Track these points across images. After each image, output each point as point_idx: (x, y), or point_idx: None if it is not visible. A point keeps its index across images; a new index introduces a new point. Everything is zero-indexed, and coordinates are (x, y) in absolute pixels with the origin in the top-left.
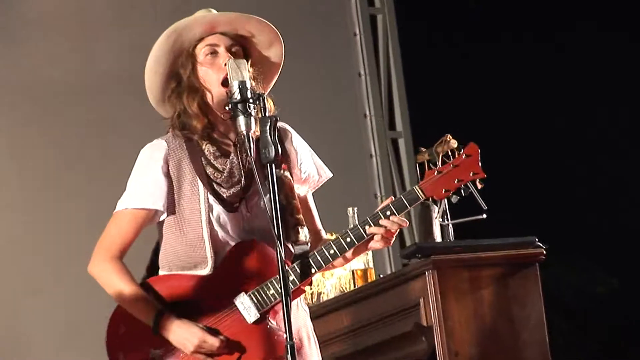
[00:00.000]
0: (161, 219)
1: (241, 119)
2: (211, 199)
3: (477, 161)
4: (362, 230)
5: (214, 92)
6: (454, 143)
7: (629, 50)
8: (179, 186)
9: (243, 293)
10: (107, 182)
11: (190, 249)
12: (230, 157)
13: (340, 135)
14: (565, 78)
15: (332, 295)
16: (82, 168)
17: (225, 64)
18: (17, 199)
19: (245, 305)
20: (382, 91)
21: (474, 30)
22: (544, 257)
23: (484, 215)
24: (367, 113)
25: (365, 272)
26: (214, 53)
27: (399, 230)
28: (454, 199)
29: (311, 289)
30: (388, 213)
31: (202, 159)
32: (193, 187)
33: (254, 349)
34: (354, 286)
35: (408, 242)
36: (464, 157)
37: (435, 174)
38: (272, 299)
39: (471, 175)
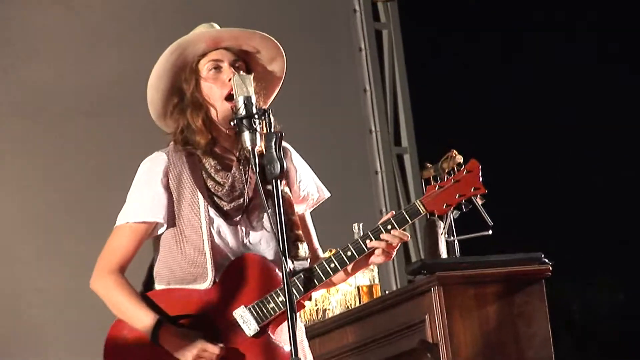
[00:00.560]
0: (160, 232)
1: (246, 135)
2: (212, 211)
3: (478, 177)
4: (362, 244)
5: (218, 108)
6: (459, 159)
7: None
8: (179, 199)
9: (243, 306)
10: (109, 193)
11: (190, 262)
12: (232, 171)
13: (346, 150)
14: (572, 93)
15: (337, 312)
16: (83, 183)
17: (230, 80)
18: (17, 208)
19: (245, 319)
20: (387, 107)
21: (481, 46)
22: (550, 274)
23: (490, 232)
24: (373, 129)
25: (370, 288)
26: (217, 68)
27: (400, 244)
28: (455, 214)
29: (316, 305)
30: (389, 227)
31: (203, 172)
32: (193, 200)
33: None
34: (360, 302)
35: (414, 258)
36: (465, 172)
37: (437, 188)
38: (272, 313)
39: (472, 190)
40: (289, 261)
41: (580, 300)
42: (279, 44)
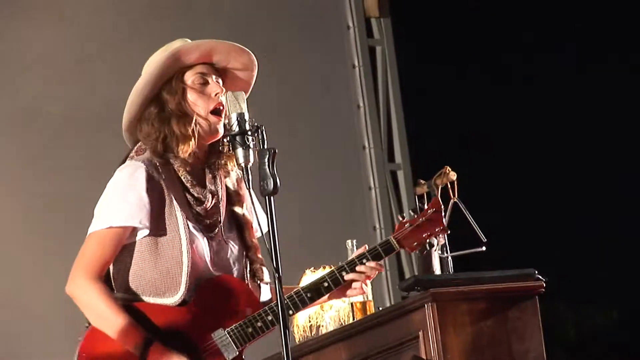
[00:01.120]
0: (138, 237)
1: (240, 151)
2: (190, 225)
3: (441, 216)
4: (339, 276)
5: (201, 120)
6: (453, 175)
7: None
8: (159, 208)
9: (221, 329)
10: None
11: (164, 273)
12: (207, 187)
13: (339, 167)
14: (566, 109)
15: (331, 328)
16: (84, 183)
17: (216, 94)
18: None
19: (224, 342)
20: (381, 123)
21: (474, 63)
22: (543, 290)
23: (484, 248)
24: (366, 145)
25: (364, 304)
26: (204, 82)
27: (374, 277)
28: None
29: (310, 321)
30: (364, 261)
31: (180, 185)
32: (171, 212)
33: None
34: (353, 319)
35: (407, 275)
36: (430, 211)
37: (407, 226)
38: (250, 337)
39: (437, 230)
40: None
41: (574, 318)
42: (256, 69)
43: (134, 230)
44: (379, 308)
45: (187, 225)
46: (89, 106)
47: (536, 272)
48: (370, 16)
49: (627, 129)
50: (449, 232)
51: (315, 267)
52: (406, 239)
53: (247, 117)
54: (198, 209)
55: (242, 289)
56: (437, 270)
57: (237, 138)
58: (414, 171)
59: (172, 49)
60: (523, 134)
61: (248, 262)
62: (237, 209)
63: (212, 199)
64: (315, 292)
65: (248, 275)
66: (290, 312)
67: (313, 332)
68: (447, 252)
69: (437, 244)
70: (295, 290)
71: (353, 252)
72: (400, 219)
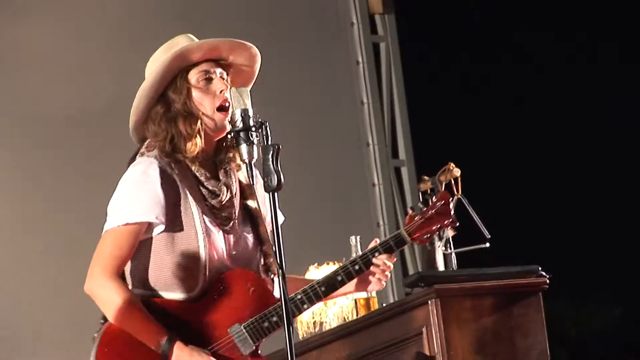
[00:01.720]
0: (155, 233)
1: (244, 147)
2: (206, 219)
3: (450, 208)
4: (352, 270)
5: (209, 118)
6: (457, 171)
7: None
8: (174, 204)
9: (238, 324)
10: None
11: (181, 268)
12: (222, 180)
13: (343, 163)
14: (573, 104)
15: (334, 324)
16: (83, 184)
17: (221, 91)
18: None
19: (241, 337)
20: (385, 119)
21: (478, 58)
22: (547, 286)
23: (487, 244)
24: (370, 141)
25: (367, 300)
26: (208, 79)
27: (389, 270)
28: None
29: (313, 317)
30: (376, 254)
31: (194, 179)
32: (186, 207)
33: None
34: (357, 315)
35: (411, 271)
36: (439, 204)
37: (417, 218)
38: (267, 332)
39: (446, 222)
40: (273, 278)
41: (576, 315)
42: (259, 61)
43: (150, 226)
44: (382, 304)
45: (203, 219)
46: (89, 106)
47: (540, 268)
48: (374, 13)
49: (631, 126)
50: (458, 223)
51: (319, 264)
52: (417, 232)
53: (251, 113)
54: (213, 202)
55: (259, 283)
56: (441, 266)
57: (241, 134)
58: (418, 168)
59: (176, 50)
60: (527, 130)
61: (262, 256)
62: (251, 203)
63: (227, 192)
64: (330, 286)
65: (262, 269)
66: (305, 306)
67: (317, 329)
68: (450, 249)
69: (445, 237)
70: (310, 284)
71: (357, 248)
72: (410, 211)
